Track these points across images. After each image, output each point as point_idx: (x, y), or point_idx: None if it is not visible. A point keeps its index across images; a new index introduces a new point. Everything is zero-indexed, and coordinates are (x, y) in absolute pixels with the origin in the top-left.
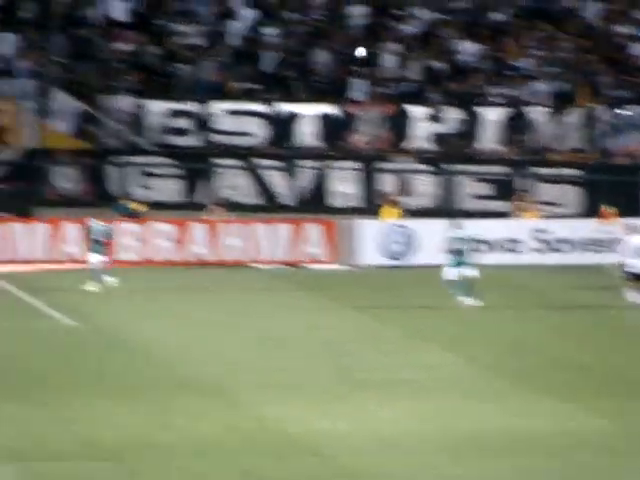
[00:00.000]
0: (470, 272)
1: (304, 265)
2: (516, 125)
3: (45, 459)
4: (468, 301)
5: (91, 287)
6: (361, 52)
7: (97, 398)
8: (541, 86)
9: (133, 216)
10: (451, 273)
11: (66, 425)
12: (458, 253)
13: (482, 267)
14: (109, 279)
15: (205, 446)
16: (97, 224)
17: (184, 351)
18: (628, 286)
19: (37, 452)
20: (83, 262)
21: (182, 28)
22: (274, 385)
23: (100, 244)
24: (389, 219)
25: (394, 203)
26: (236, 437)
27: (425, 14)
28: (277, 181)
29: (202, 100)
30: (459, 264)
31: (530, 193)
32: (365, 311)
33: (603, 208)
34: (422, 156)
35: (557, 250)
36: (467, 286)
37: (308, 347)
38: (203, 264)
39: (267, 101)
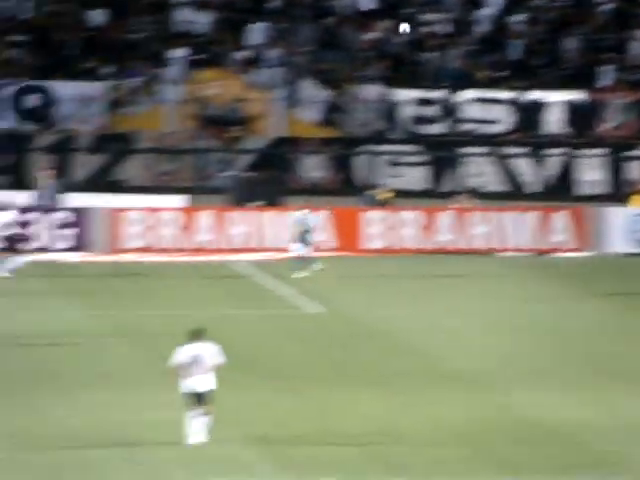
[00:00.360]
0: None
1: (551, 253)
2: None
3: (290, 443)
4: None
5: (301, 275)
6: (405, 29)
7: (341, 386)
8: None
9: (380, 205)
10: None
11: (310, 412)
12: None
13: None
14: (315, 266)
15: (449, 433)
16: (304, 214)
17: (426, 339)
18: None
19: (283, 437)
20: (331, 250)
21: (429, 16)
22: (517, 372)
23: (308, 233)
24: (638, 207)
25: None
26: (480, 424)
27: None
28: (523, 169)
29: (449, 88)
30: None
31: None
32: (613, 299)
33: None
34: None
35: None
36: None
37: (555, 335)
38: (449, 252)
39: (514, 89)
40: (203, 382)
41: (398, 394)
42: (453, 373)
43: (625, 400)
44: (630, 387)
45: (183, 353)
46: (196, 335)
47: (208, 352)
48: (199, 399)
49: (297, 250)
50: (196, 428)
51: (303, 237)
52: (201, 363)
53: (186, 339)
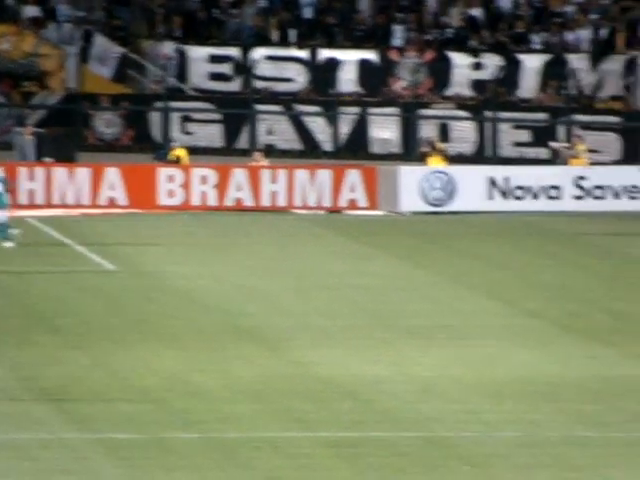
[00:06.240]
0: None
1: (344, 211)
2: (556, 72)
3: (85, 400)
4: None
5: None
6: None
7: (138, 343)
8: (582, 33)
9: (174, 162)
10: None
11: (106, 368)
12: None
13: (523, 214)
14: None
15: (244, 390)
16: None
17: (224, 296)
18: None
19: (77, 393)
20: (124, 207)
21: None
22: (313, 330)
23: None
24: (433, 165)
25: (437, 149)
26: (275, 381)
27: None
28: (318, 127)
29: (243, 46)
30: None
31: (583, 140)
32: (405, 257)
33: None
34: (462, 103)
35: (597, 197)
36: None
37: (348, 293)
38: (243, 210)
39: (308, 47)
40: None
41: (194, 350)
42: (250, 330)
43: (415, 356)
44: (420, 342)
45: None
46: None
47: None
48: None
49: None
50: None
51: None
52: None
53: None
